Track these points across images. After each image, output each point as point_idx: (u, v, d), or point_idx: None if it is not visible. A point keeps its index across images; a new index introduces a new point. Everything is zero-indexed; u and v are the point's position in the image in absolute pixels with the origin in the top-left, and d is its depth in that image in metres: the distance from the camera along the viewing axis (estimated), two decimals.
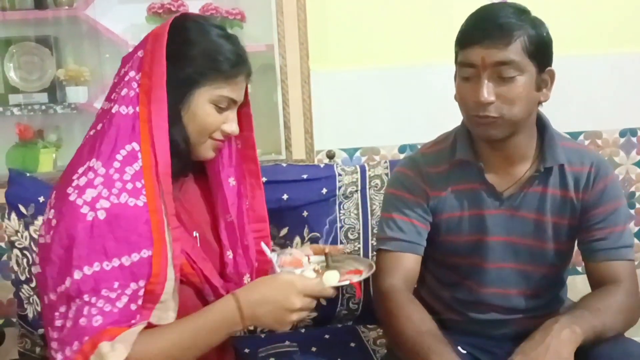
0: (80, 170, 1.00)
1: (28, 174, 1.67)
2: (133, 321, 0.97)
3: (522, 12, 1.18)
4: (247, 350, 1.50)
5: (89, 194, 0.96)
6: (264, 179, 1.59)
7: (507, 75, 1.14)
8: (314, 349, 1.51)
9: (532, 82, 1.17)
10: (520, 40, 1.13)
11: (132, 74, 1.06)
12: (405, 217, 1.29)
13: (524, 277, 1.29)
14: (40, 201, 1.55)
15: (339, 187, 1.69)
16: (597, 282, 1.24)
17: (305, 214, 1.65)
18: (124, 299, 0.96)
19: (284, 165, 1.77)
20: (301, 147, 1.92)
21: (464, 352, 1.30)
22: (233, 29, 1.87)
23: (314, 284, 1.04)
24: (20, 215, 1.56)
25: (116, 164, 1.00)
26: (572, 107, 2.02)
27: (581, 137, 2.09)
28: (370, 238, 1.68)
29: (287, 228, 1.64)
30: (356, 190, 1.70)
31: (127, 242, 0.97)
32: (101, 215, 0.96)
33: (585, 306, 1.16)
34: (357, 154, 2.02)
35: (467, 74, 1.18)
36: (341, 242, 1.67)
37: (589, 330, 1.09)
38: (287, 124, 1.91)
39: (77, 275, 0.95)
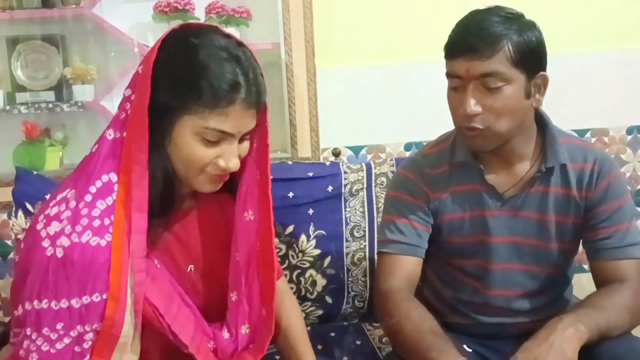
0: (58, 197, 0.97)
1: (35, 172, 1.67)
2: None
3: (510, 18, 1.14)
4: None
5: (53, 227, 0.93)
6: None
7: (493, 85, 1.12)
8: (319, 346, 1.51)
9: (521, 90, 1.14)
10: (504, 50, 1.11)
11: (127, 92, 0.99)
12: (406, 219, 1.28)
13: (528, 277, 1.28)
14: (46, 198, 1.55)
15: (345, 185, 1.69)
16: (603, 282, 1.22)
17: (310, 211, 1.65)
18: (66, 340, 0.93)
19: (290, 163, 1.77)
20: (307, 145, 1.92)
21: (470, 350, 1.30)
22: (239, 27, 1.88)
23: None
24: (27, 213, 1.56)
25: (88, 197, 0.95)
26: (578, 104, 2.02)
27: (588, 135, 2.08)
28: (375, 236, 1.68)
29: (292, 226, 1.64)
30: (362, 188, 1.70)
31: (80, 284, 0.92)
32: (59, 253, 0.92)
33: (590, 304, 1.15)
34: (363, 151, 2.02)
35: (454, 84, 1.17)
36: (347, 240, 1.67)
37: (593, 328, 1.08)
38: (292, 122, 1.91)
39: (27, 306, 0.93)
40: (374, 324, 1.65)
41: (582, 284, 1.50)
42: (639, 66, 2.07)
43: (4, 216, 1.92)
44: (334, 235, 1.66)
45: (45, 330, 0.93)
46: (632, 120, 2.10)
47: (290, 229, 1.64)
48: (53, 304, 0.92)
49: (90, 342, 0.94)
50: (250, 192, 1.08)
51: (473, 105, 1.13)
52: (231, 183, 1.08)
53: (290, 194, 1.64)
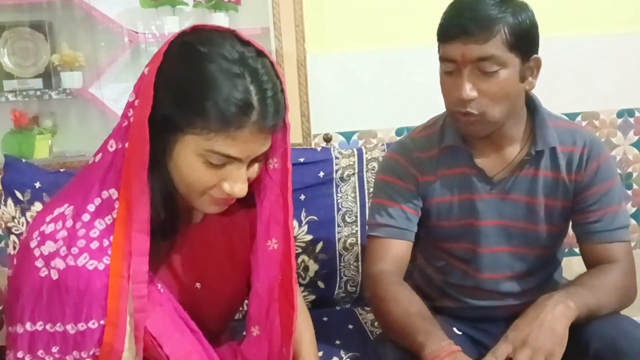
0: (56, 212, 0.89)
1: (24, 160, 1.66)
2: None
3: (504, 1, 1.12)
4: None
5: (48, 247, 0.86)
6: None
7: (489, 70, 1.11)
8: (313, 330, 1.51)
9: (516, 73, 1.13)
10: (501, 33, 1.09)
11: (131, 97, 0.88)
12: (395, 203, 1.28)
13: (517, 260, 1.29)
14: (37, 187, 1.56)
15: (336, 171, 1.69)
16: (593, 264, 1.23)
17: (302, 197, 1.65)
18: None
19: None
20: (298, 131, 1.90)
21: (459, 333, 1.31)
22: (228, 12, 1.86)
23: None
24: (17, 201, 1.56)
25: (85, 217, 0.88)
26: (569, 88, 2.01)
27: (578, 118, 2.09)
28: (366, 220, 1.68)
29: None
30: (353, 174, 1.70)
31: (75, 310, 0.86)
32: (54, 275, 0.85)
33: (580, 283, 1.16)
34: (354, 137, 2.01)
35: (448, 68, 1.14)
36: (339, 226, 1.67)
37: (583, 306, 1.09)
38: None
39: (18, 328, 0.88)
40: (366, 308, 1.66)
41: (572, 267, 1.52)
42: (630, 50, 2.07)
43: None
44: (325, 220, 1.66)
45: (40, 353, 0.88)
46: (623, 103, 2.10)
47: None
48: (48, 326, 0.87)
49: None
50: (274, 218, 0.98)
51: (469, 90, 1.12)
52: (246, 195, 0.94)
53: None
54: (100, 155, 0.92)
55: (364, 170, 1.71)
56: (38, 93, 1.89)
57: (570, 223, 1.30)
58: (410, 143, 1.32)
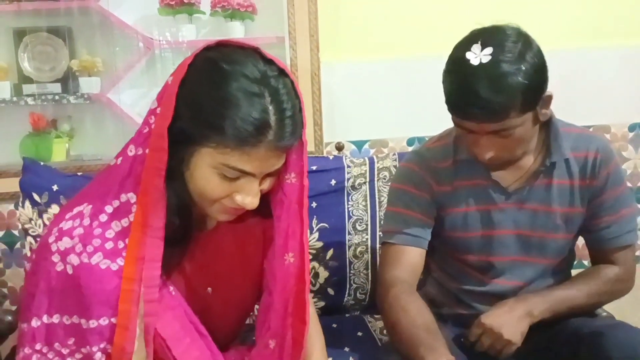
0: (75, 211, 0.92)
1: (42, 163, 1.68)
2: None
3: (518, 60, 1.06)
4: (255, 339, 1.52)
5: (65, 242, 0.89)
6: None
7: (506, 135, 1.12)
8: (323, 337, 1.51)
9: (530, 122, 1.14)
10: (517, 102, 1.07)
11: (153, 105, 0.90)
12: (410, 211, 1.29)
13: (533, 268, 1.30)
14: (54, 189, 1.57)
15: (348, 179, 1.69)
16: (599, 262, 1.31)
17: (314, 205, 1.65)
18: (77, 356, 0.90)
19: None
20: (310, 139, 1.92)
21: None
22: (244, 22, 1.89)
23: None
24: (34, 203, 1.58)
25: (103, 217, 0.90)
26: (581, 100, 2.01)
27: None
28: (378, 230, 1.69)
29: None
30: (364, 182, 1.71)
31: (86, 306, 0.88)
32: (69, 269, 0.88)
33: (569, 281, 1.29)
34: (366, 146, 2.02)
35: (463, 130, 1.16)
36: (349, 233, 1.68)
37: (550, 309, 1.22)
38: None
39: (34, 322, 0.90)
40: (375, 315, 1.66)
41: None
42: None
43: (11, 206, 1.93)
44: (336, 228, 1.67)
45: (56, 345, 0.90)
46: (635, 117, 2.10)
47: None
48: (65, 319, 0.90)
49: None
50: (292, 233, 0.99)
51: (487, 154, 1.15)
52: (260, 205, 0.96)
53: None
54: (120, 159, 0.94)
55: (375, 179, 1.71)
56: (56, 97, 1.91)
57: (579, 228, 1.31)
58: (427, 152, 1.32)
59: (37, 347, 0.91)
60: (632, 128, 2.11)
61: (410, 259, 1.27)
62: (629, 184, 1.36)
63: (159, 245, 0.89)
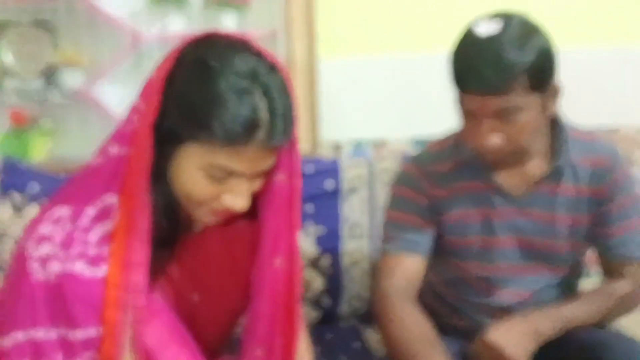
0: (55, 214, 0.89)
1: (22, 161, 1.68)
2: None
3: (520, 40, 1.08)
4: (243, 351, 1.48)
5: (44, 249, 0.85)
6: None
7: (510, 115, 1.09)
8: (317, 348, 1.45)
9: (538, 109, 1.12)
10: (522, 79, 1.07)
11: (137, 101, 0.88)
12: (408, 216, 1.28)
13: (534, 278, 1.28)
14: (34, 189, 1.58)
15: (345, 181, 1.68)
16: (610, 276, 1.28)
17: (308, 208, 1.64)
18: None
19: None
20: (306, 139, 1.88)
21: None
22: (237, 13, 1.85)
23: None
24: (13, 203, 1.58)
25: (84, 220, 0.87)
26: (589, 102, 1.96)
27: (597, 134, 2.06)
28: (376, 235, 1.65)
29: None
30: (362, 185, 1.69)
31: (71, 316, 0.85)
32: (51, 277, 0.85)
33: (576, 297, 1.25)
34: (365, 145, 1.99)
35: (466, 112, 1.14)
36: (345, 239, 1.66)
37: (556, 328, 1.17)
38: None
39: (20, 336, 0.86)
40: (371, 325, 1.63)
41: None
42: None
43: None
44: (331, 233, 1.66)
45: None
46: None
47: None
48: (50, 332, 0.86)
49: None
50: (280, 235, 0.97)
51: (490, 140, 1.11)
52: (249, 208, 0.94)
53: None
54: (101, 157, 0.91)
55: (375, 181, 1.70)
56: (39, 93, 1.87)
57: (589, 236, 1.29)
58: (425, 157, 1.32)
59: None
60: None
61: (407, 266, 1.25)
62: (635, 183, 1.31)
63: (144, 248, 0.87)
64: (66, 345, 0.87)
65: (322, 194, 1.65)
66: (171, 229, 0.93)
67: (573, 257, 1.29)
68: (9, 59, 1.89)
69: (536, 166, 1.23)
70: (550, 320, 1.18)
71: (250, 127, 0.81)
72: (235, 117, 0.80)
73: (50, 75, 1.89)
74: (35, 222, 0.90)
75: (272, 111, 0.83)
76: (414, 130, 1.97)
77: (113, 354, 0.86)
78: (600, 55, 2.01)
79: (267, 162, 0.87)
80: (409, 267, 1.25)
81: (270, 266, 0.98)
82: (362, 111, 1.96)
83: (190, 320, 1.00)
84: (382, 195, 1.65)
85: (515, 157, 1.19)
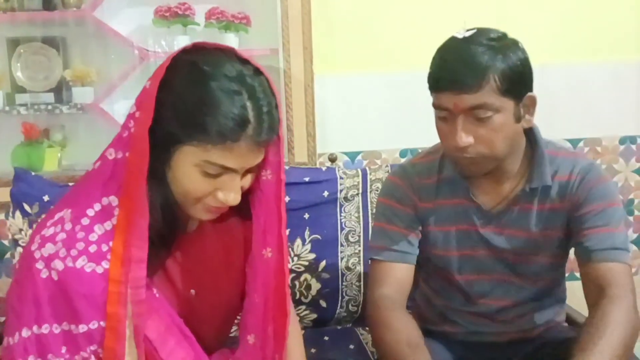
0: (56, 217, 0.92)
1: (33, 173, 1.67)
2: None
3: (494, 45, 1.10)
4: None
5: (48, 249, 0.88)
6: None
7: (483, 116, 1.09)
8: (313, 350, 1.51)
9: (511, 116, 1.12)
10: (491, 81, 1.07)
11: (132, 109, 0.92)
12: (395, 226, 1.28)
13: (516, 289, 1.28)
14: (45, 200, 1.56)
15: (340, 190, 1.70)
16: (591, 286, 1.15)
17: (306, 216, 1.66)
18: None
19: (287, 167, 1.76)
20: (303, 150, 1.93)
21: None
22: (239, 33, 1.90)
23: None
24: (24, 213, 1.57)
25: (85, 221, 0.90)
26: (571, 114, 2.03)
27: (581, 144, 2.10)
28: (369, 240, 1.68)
29: (288, 230, 1.63)
30: (357, 194, 1.71)
31: (75, 311, 0.88)
32: (54, 275, 0.87)
33: (591, 347, 1.04)
34: (359, 157, 2.03)
35: (442, 114, 1.14)
36: (342, 245, 1.68)
37: None
38: (290, 127, 1.92)
39: (25, 333, 0.88)
40: (367, 328, 1.64)
41: (574, 291, 1.51)
42: (633, 77, 2.09)
43: (2, 216, 1.92)
44: (329, 239, 1.67)
45: (50, 356, 0.89)
46: (625, 130, 2.12)
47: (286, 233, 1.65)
48: (54, 327, 0.89)
49: None
50: (269, 228, 1.02)
51: (464, 138, 1.11)
52: (241, 206, 1.00)
53: (287, 199, 1.65)
54: (99, 163, 0.94)
55: (368, 190, 1.72)
56: (49, 107, 1.91)
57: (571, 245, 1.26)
58: (411, 168, 1.32)
59: (31, 359, 0.89)
60: (622, 141, 2.13)
61: (398, 275, 1.26)
62: (620, 197, 1.29)
63: (143, 246, 0.90)
64: (70, 340, 0.89)
65: (320, 202, 1.67)
66: (168, 228, 0.96)
67: (551, 268, 1.28)
68: (20, 74, 1.93)
69: (513, 186, 1.23)
70: None
71: (240, 124, 0.86)
72: (226, 115, 0.85)
73: (60, 89, 1.93)
74: (39, 227, 0.93)
75: (258, 110, 0.88)
76: (404, 142, 2.01)
77: (116, 347, 0.89)
78: (583, 70, 2.05)
79: (256, 159, 0.92)
80: (398, 276, 1.25)
81: (260, 257, 1.02)
82: (356, 124, 2.00)
83: (188, 315, 1.03)
84: (375, 203, 1.67)
85: (488, 165, 1.16)
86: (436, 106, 1.14)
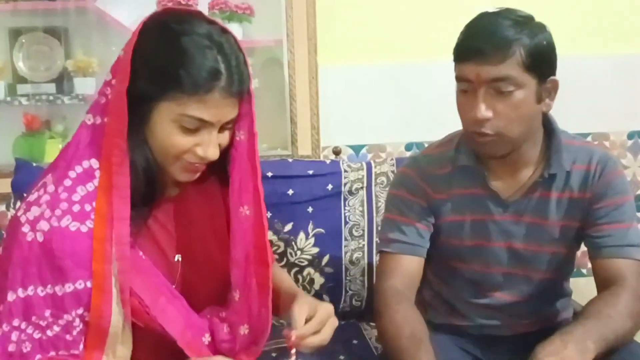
0: (39, 183, 0.96)
1: (34, 164, 1.67)
2: (73, 351, 0.92)
3: (521, 21, 1.12)
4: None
5: (33, 212, 0.91)
6: (269, 174, 1.62)
7: (504, 90, 1.10)
8: None
9: (532, 95, 1.13)
10: (516, 54, 1.09)
11: (108, 77, 0.97)
12: (406, 218, 1.27)
13: (529, 282, 1.28)
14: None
15: (345, 184, 1.69)
16: (602, 280, 1.19)
17: (310, 209, 1.65)
18: (56, 329, 0.92)
19: (290, 160, 1.77)
20: (307, 143, 1.92)
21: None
22: (242, 24, 1.88)
23: None
24: None
25: (67, 182, 0.93)
26: (579, 108, 2.01)
27: (588, 139, 2.08)
28: (374, 236, 1.68)
29: (291, 223, 1.64)
30: (362, 187, 1.70)
31: (61, 270, 0.90)
32: (39, 237, 0.90)
33: (595, 314, 1.10)
34: (363, 150, 2.02)
35: (463, 87, 1.15)
36: (345, 239, 1.67)
37: (601, 342, 1.05)
38: (293, 119, 1.91)
39: (10, 297, 0.90)
40: (371, 323, 1.65)
41: (580, 288, 1.51)
42: None
43: (3, 207, 1.91)
44: (332, 233, 1.66)
45: (34, 318, 0.91)
46: (633, 125, 2.11)
47: (289, 226, 1.64)
48: (39, 290, 0.91)
49: (79, 331, 0.93)
50: (244, 186, 1.05)
51: (484, 110, 1.11)
52: (219, 173, 1.07)
53: (290, 192, 1.64)
54: (79, 130, 0.98)
55: (373, 184, 1.71)
56: (51, 98, 1.91)
57: (583, 238, 1.27)
58: (423, 159, 1.32)
59: (15, 323, 0.91)
60: (630, 136, 2.12)
61: (407, 268, 1.25)
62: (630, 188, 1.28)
63: (125, 204, 0.93)
64: (56, 302, 0.91)
65: (324, 196, 1.66)
66: (149, 187, 0.99)
67: (564, 261, 1.28)
68: (22, 65, 1.93)
69: (530, 173, 1.23)
70: (589, 332, 1.06)
71: (213, 75, 0.91)
72: (200, 67, 0.91)
73: (62, 80, 1.92)
74: (25, 196, 0.96)
75: (228, 62, 0.93)
76: (410, 136, 2.00)
77: (102, 306, 0.91)
78: (592, 63, 2.03)
79: (230, 113, 0.97)
80: (408, 268, 1.25)
81: (238, 215, 1.05)
82: (361, 117, 1.99)
83: (181, 287, 1.05)
84: (380, 196, 1.69)
85: (504, 146, 1.16)
86: (458, 78, 1.15)
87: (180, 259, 1.07)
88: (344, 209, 1.68)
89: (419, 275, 1.28)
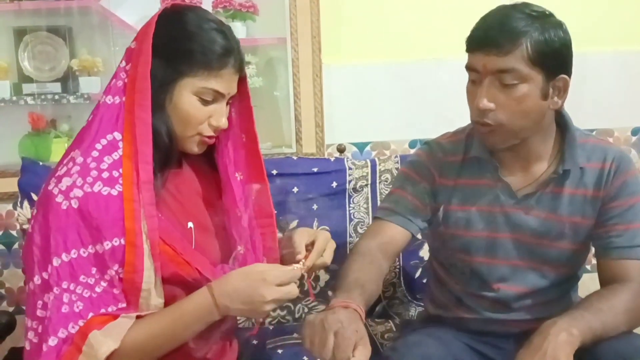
0: (65, 160, 1.03)
1: (41, 163, 1.68)
2: (120, 305, 1.00)
3: (535, 15, 1.13)
4: (255, 342, 1.51)
5: (65, 182, 0.99)
6: (274, 172, 1.63)
7: (508, 82, 1.11)
8: None
9: (537, 90, 1.13)
10: (523, 48, 1.10)
11: (122, 64, 1.07)
12: (404, 192, 1.31)
13: (535, 276, 1.28)
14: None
15: (349, 181, 1.69)
16: (607, 280, 1.20)
17: (315, 207, 1.66)
18: (103, 284, 0.99)
19: (295, 158, 1.78)
20: (312, 141, 1.92)
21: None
22: (246, 22, 1.89)
23: (283, 273, 1.01)
24: (32, 203, 1.57)
25: (94, 153, 1.01)
26: (583, 104, 2.00)
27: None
28: None
29: (296, 221, 1.64)
30: (366, 185, 1.71)
31: (98, 230, 0.98)
32: (74, 204, 0.97)
33: (586, 306, 1.11)
34: (368, 148, 2.02)
35: (472, 77, 1.17)
36: (350, 236, 1.67)
37: (587, 332, 1.06)
38: (298, 117, 1.92)
39: (55, 262, 0.97)
40: (377, 319, 1.66)
41: (585, 284, 1.51)
42: None
43: (10, 206, 1.93)
44: (337, 230, 1.66)
45: (82, 278, 0.97)
46: (638, 121, 2.10)
47: (294, 224, 1.64)
48: (82, 251, 0.98)
49: (121, 287, 1.00)
50: (237, 156, 1.18)
51: (486, 101, 1.13)
52: (208, 155, 1.18)
53: (295, 189, 1.65)
54: (97, 110, 1.05)
55: (377, 181, 1.71)
56: (56, 97, 1.92)
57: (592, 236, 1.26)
58: (436, 145, 1.34)
59: (64, 285, 0.97)
60: (635, 132, 2.11)
61: (388, 234, 1.27)
62: None
63: (149, 169, 1.02)
64: (98, 259, 0.98)
65: (329, 193, 1.68)
66: (170, 155, 1.08)
67: (574, 257, 1.27)
68: (27, 64, 1.93)
69: (543, 168, 1.23)
70: (576, 320, 1.07)
71: (229, 53, 1.06)
72: (212, 43, 1.04)
73: (67, 79, 1.93)
74: (52, 173, 1.03)
75: (236, 45, 1.08)
76: (414, 133, 2.00)
77: (135, 261, 0.99)
78: (595, 59, 2.03)
79: (235, 88, 1.10)
80: (389, 234, 1.27)
81: (235, 179, 1.17)
82: (365, 115, 1.99)
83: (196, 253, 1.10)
84: (384, 193, 1.68)
85: (507, 138, 1.17)
86: (468, 68, 1.18)
87: (192, 226, 1.13)
88: (349, 206, 1.69)
89: (399, 246, 1.29)
